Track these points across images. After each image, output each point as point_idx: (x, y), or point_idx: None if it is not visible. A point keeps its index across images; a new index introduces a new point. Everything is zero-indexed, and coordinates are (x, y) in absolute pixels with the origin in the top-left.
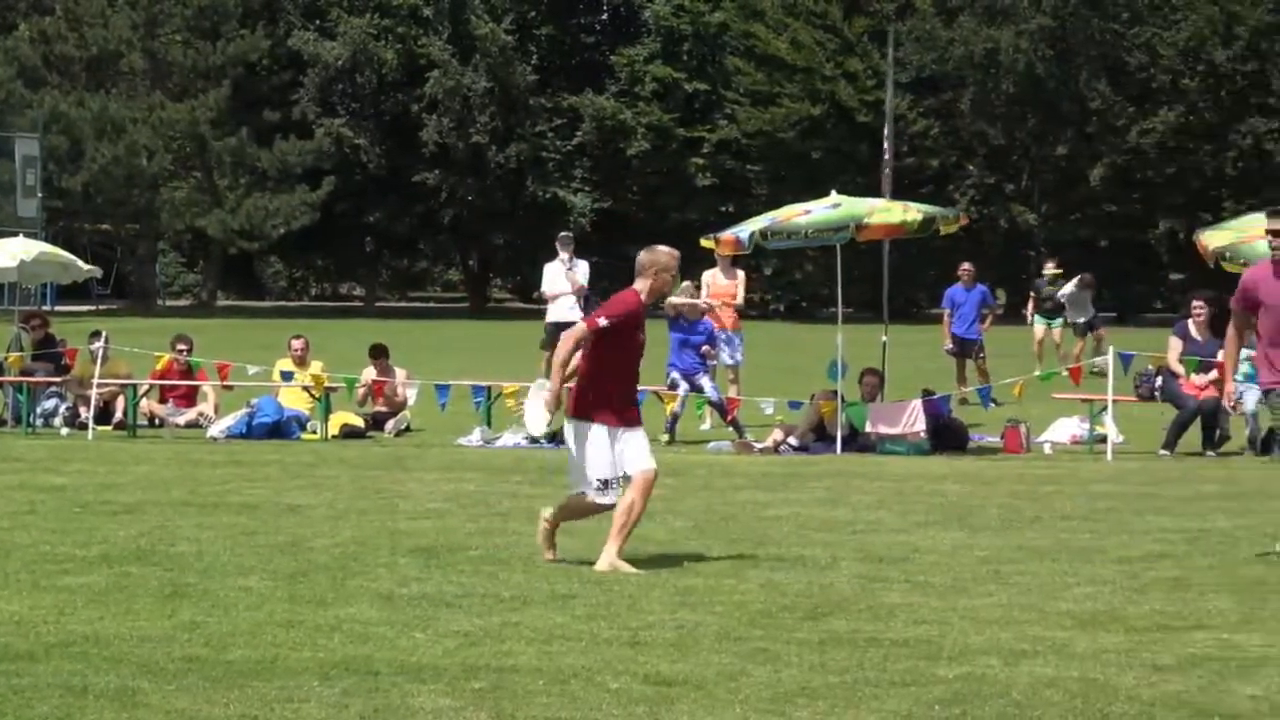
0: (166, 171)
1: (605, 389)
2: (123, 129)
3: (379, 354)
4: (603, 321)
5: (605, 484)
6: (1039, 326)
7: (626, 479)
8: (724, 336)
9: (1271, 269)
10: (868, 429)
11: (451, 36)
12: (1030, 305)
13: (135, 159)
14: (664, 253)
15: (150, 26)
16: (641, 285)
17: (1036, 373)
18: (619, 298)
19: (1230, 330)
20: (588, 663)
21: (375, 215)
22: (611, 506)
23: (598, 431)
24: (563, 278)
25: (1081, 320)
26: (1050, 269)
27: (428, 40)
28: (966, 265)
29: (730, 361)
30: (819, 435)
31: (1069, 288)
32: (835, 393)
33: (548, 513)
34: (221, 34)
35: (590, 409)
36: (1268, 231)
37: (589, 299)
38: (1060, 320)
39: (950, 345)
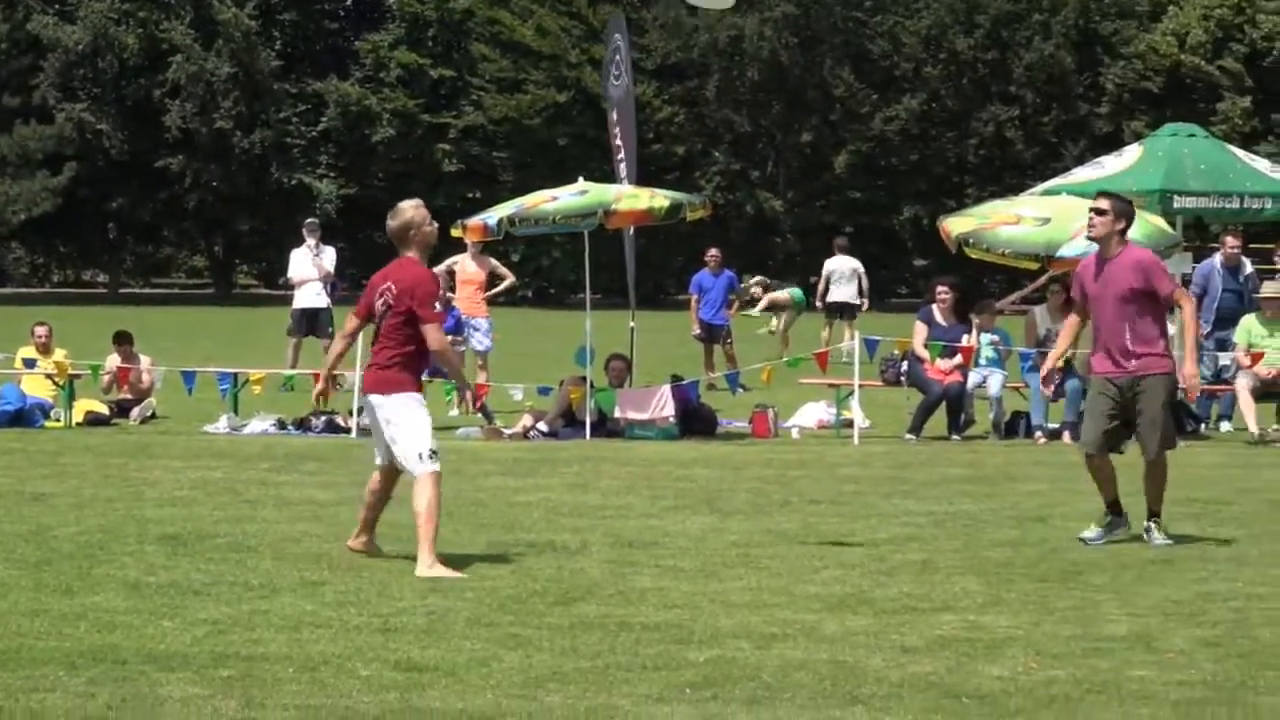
0: None
1: (417, 363)
2: None
3: (123, 341)
4: (439, 308)
5: (434, 453)
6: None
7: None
8: (472, 323)
9: (1095, 261)
10: (617, 414)
11: (194, 21)
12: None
13: None
14: (409, 208)
15: None
16: (414, 253)
17: (784, 358)
18: (417, 277)
19: (1071, 317)
20: (338, 650)
21: (118, 201)
22: (436, 474)
23: (422, 400)
24: (309, 264)
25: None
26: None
27: (169, 25)
28: (714, 251)
29: (480, 348)
30: (568, 421)
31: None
32: (584, 378)
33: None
34: None
35: (413, 384)
36: (1091, 209)
37: (335, 285)
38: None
39: (698, 331)
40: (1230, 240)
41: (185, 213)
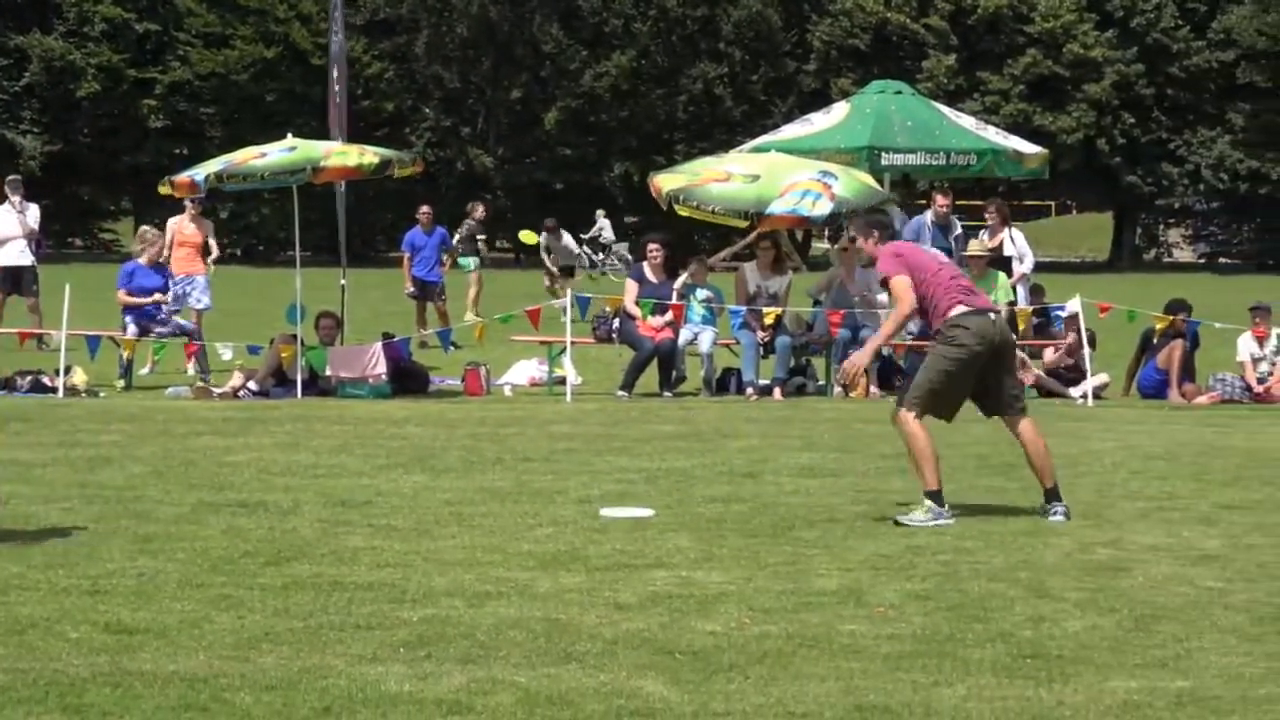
0: None
1: None
2: None
3: None
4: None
5: None
6: (473, 271)
7: None
8: (190, 283)
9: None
10: (328, 373)
11: None
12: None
13: None
14: None
15: None
16: None
17: (497, 315)
18: None
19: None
20: (46, 612)
21: None
22: None
23: None
24: (13, 221)
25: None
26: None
27: None
28: (425, 209)
29: (198, 306)
30: (279, 380)
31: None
32: (295, 336)
33: None
34: None
35: None
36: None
37: (39, 243)
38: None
39: (411, 289)
40: (940, 199)
41: None
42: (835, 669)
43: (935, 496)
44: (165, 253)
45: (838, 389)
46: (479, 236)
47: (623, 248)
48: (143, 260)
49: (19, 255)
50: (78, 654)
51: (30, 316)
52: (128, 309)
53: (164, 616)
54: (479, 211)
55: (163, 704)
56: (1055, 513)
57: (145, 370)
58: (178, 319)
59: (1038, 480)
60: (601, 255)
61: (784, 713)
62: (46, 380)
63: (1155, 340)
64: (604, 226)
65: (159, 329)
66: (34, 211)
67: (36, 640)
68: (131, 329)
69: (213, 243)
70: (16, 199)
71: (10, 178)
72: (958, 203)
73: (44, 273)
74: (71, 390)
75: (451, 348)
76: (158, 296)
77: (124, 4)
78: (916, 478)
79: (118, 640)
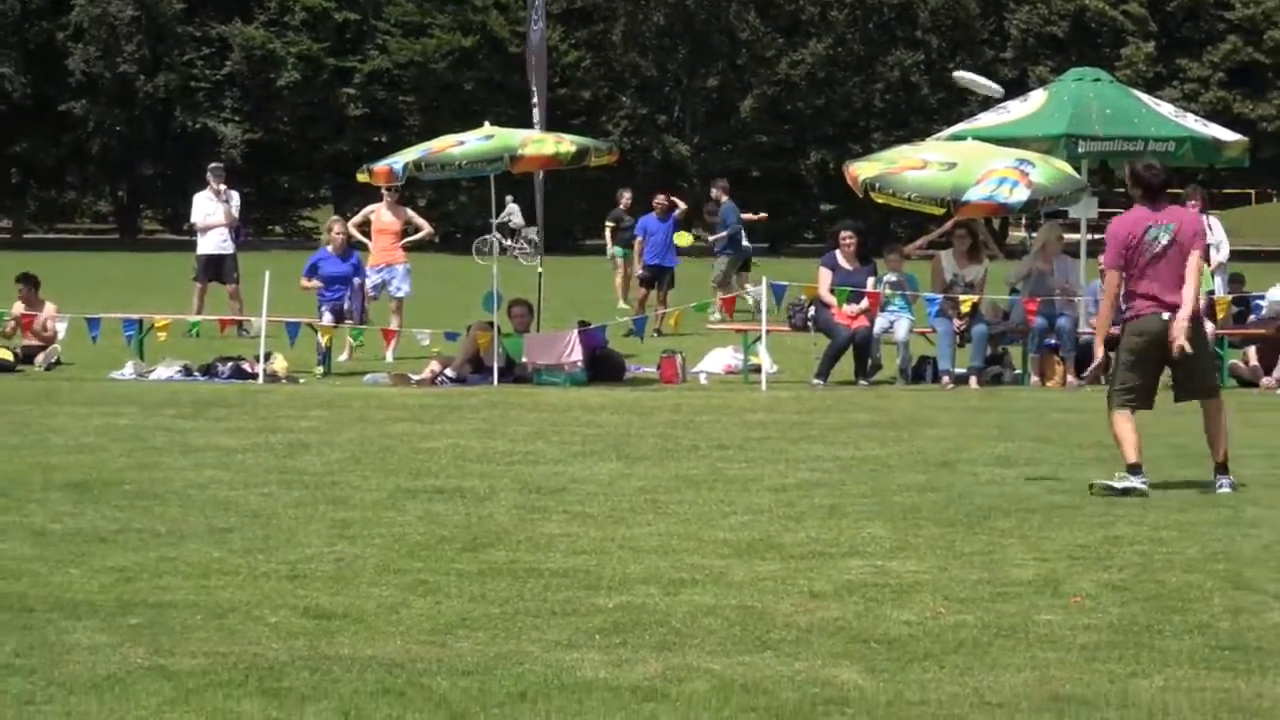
0: None
1: None
2: None
3: (26, 281)
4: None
5: None
6: (619, 260)
7: None
8: (391, 270)
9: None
10: (524, 360)
11: None
12: (609, 235)
13: None
14: None
15: None
16: None
17: (692, 305)
18: None
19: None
20: (246, 597)
21: (21, 146)
22: None
23: None
24: (214, 209)
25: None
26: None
27: None
28: (660, 196)
29: (398, 294)
30: (475, 367)
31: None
32: (491, 324)
33: None
34: None
35: None
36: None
37: (239, 231)
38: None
39: (643, 272)
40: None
41: (89, 158)
42: (1031, 659)
43: (1134, 469)
44: (352, 238)
45: (1034, 378)
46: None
47: (531, 231)
48: (330, 249)
49: (221, 243)
50: (277, 638)
51: (231, 304)
52: (323, 296)
53: (361, 601)
54: (625, 199)
55: (360, 688)
56: (1222, 485)
57: (343, 357)
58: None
59: (1210, 452)
60: (510, 241)
61: (980, 702)
62: (247, 366)
63: None
64: (513, 212)
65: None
66: (235, 199)
67: (236, 624)
68: (327, 316)
69: (421, 222)
70: (218, 187)
71: (212, 166)
72: None
73: (244, 260)
74: (271, 376)
75: (649, 335)
76: (358, 282)
77: None
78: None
79: (316, 625)
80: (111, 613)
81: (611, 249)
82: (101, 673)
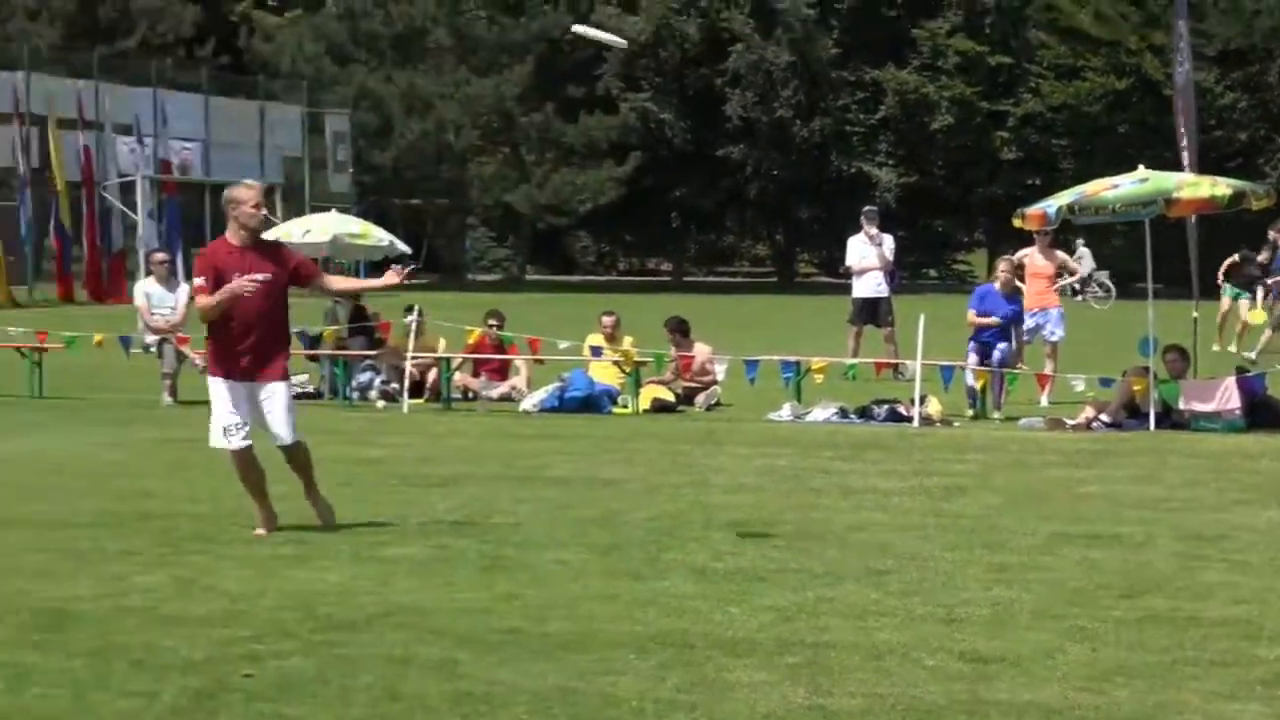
0: (474, 147)
1: (216, 341)
2: (430, 105)
3: (677, 329)
4: (197, 281)
5: (225, 430)
6: (1226, 298)
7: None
8: (1044, 316)
9: None
10: (1181, 406)
11: (753, 10)
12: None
13: (443, 134)
14: (237, 186)
15: (454, 3)
16: (229, 229)
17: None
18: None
19: None
20: (903, 639)
21: (681, 190)
22: (239, 452)
23: (215, 385)
24: (870, 253)
25: None
26: None
27: (729, 14)
28: None
29: (1052, 338)
30: (1131, 412)
31: None
32: (1147, 369)
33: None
34: (525, 10)
35: (212, 365)
36: None
37: (894, 275)
38: (1248, 294)
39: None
40: None
41: (747, 201)
42: None
43: None
44: (1013, 283)
45: None
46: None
47: (1103, 275)
48: (996, 285)
49: (875, 287)
50: (934, 681)
51: (886, 346)
52: (972, 337)
53: (1018, 646)
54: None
55: None
56: None
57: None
58: (1001, 347)
59: None
60: (1083, 286)
61: None
62: (902, 409)
63: None
64: (1084, 255)
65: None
66: (889, 243)
67: (894, 666)
68: (971, 358)
69: (1074, 265)
70: (872, 230)
71: (866, 209)
72: None
73: (899, 304)
74: (926, 420)
75: None
76: (994, 321)
77: (977, 38)
78: None
79: (973, 668)
80: (770, 651)
81: (1226, 286)
82: (761, 710)
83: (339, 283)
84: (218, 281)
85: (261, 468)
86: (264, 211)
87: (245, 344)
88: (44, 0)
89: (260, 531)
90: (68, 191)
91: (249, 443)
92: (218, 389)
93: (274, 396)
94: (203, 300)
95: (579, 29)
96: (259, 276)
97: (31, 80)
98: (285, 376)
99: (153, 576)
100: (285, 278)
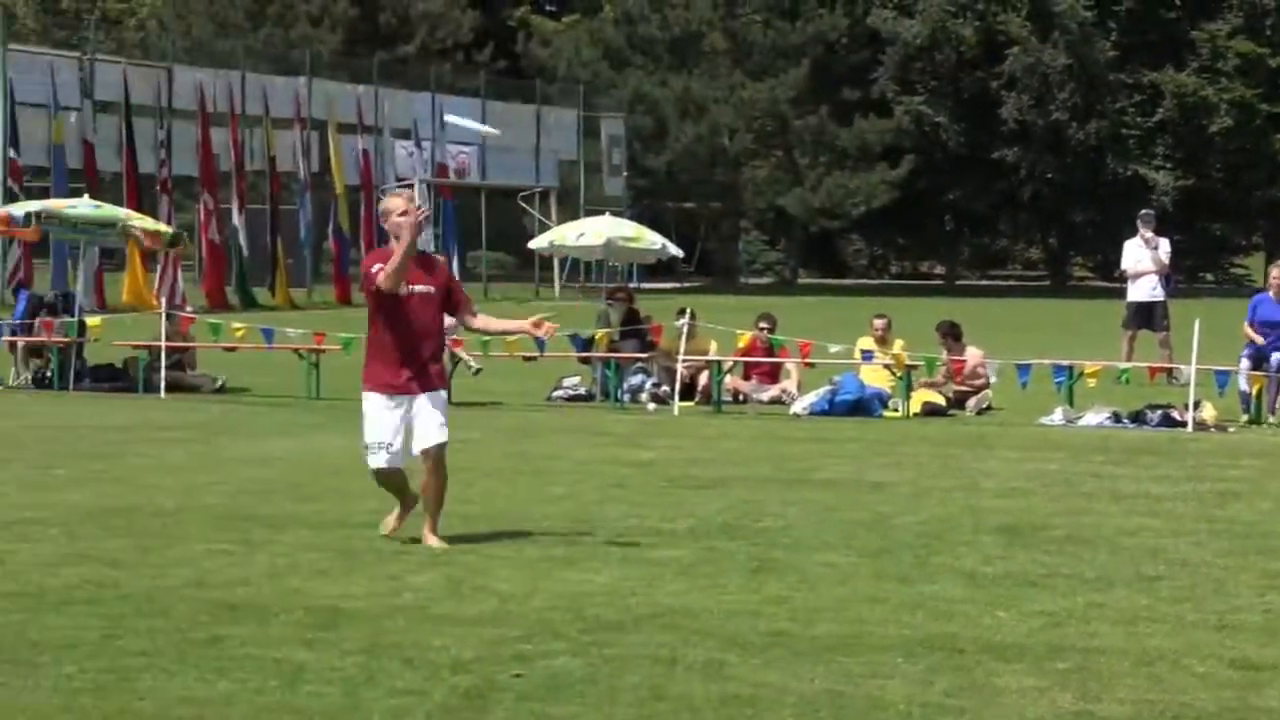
0: (747, 151)
1: (375, 355)
2: (704, 109)
3: (949, 333)
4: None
5: (368, 447)
6: None
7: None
8: None
9: None
10: None
11: (1030, 13)
12: None
13: (717, 138)
14: (388, 197)
15: (730, 7)
16: (391, 240)
17: None
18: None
19: None
20: (1174, 645)
21: (954, 193)
22: (383, 470)
23: (370, 400)
24: (1145, 256)
25: None
26: None
27: (1006, 17)
28: None
29: None
30: None
31: None
32: None
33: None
34: (801, 14)
35: (365, 378)
36: None
37: (1169, 279)
38: None
39: None
40: None
41: (1021, 204)
42: None
43: None
44: None
45: None
46: None
47: None
48: (1272, 293)
49: (1150, 291)
50: (1204, 688)
51: (1160, 351)
52: (1248, 343)
53: None
54: None
55: None
56: None
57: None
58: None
59: None
60: None
61: None
62: (1175, 414)
63: None
64: None
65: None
66: (1165, 246)
67: (1164, 673)
68: (1244, 363)
69: None
70: (1147, 234)
71: (1142, 212)
72: None
73: (1174, 308)
74: (1200, 425)
75: None
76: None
77: (1258, 39)
78: None
79: (1244, 676)
80: (1040, 657)
81: None
82: (1030, 716)
83: (480, 321)
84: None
85: (404, 474)
86: (418, 216)
87: (407, 357)
88: (326, 7)
89: (392, 520)
90: (346, 195)
91: (393, 466)
92: (372, 404)
93: (428, 405)
94: (386, 268)
95: (451, 118)
96: (419, 288)
97: (313, 85)
98: (444, 384)
99: (424, 576)
100: (443, 293)
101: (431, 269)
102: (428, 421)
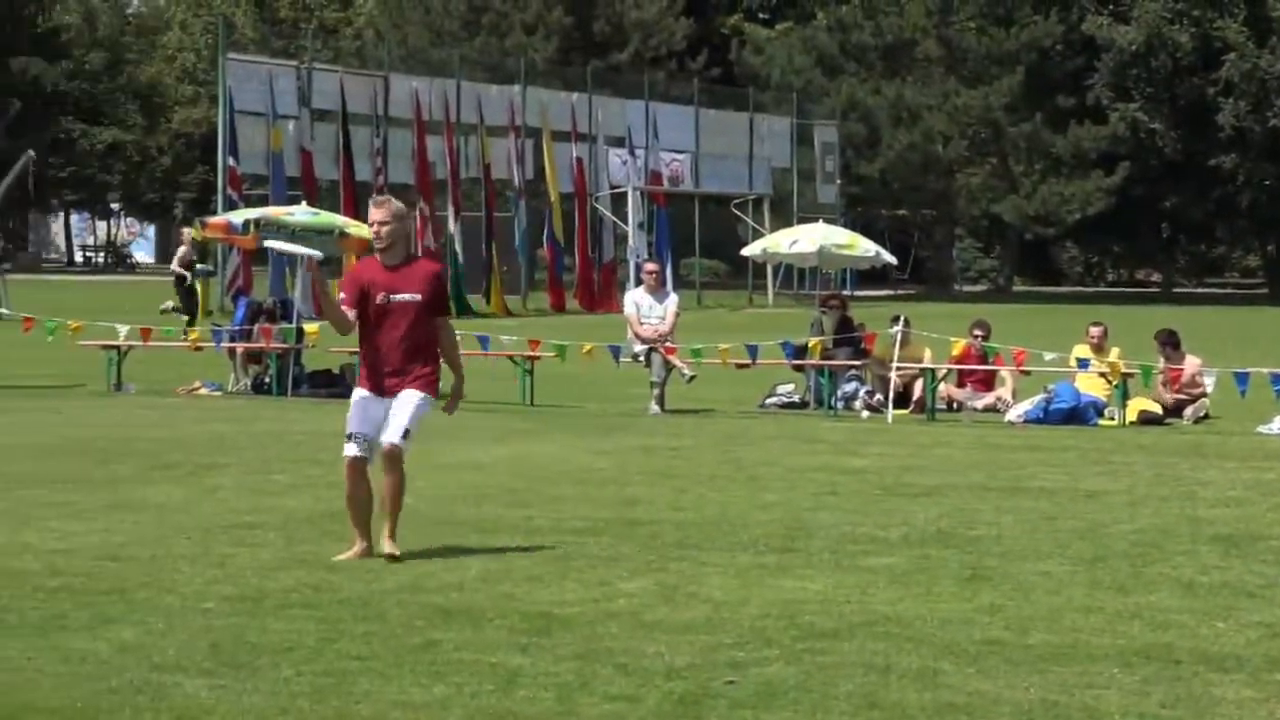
0: (961, 158)
1: (362, 358)
2: (918, 116)
3: (1167, 342)
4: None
5: (347, 437)
6: None
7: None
8: None
9: None
10: None
11: (1247, 19)
12: None
13: (930, 145)
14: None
15: (944, 14)
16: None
17: None
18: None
19: None
20: None
21: (1171, 200)
22: (354, 460)
23: (356, 393)
24: None
25: None
26: None
27: (1223, 23)
28: None
29: None
30: None
31: None
32: None
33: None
34: (1015, 20)
35: (360, 379)
36: None
37: None
38: None
39: None
40: None
41: (1238, 211)
42: None
43: None
44: None
45: None
46: None
47: None
48: None
49: None
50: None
51: None
52: None
53: None
54: None
55: None
56: None
57: None
58: None
59: None
60: None
61: None
62: None
63: None
64: None
65: None
66: None
67: None
68: None
69: None
70: None
71: None
72: None
73: None
74: None
75: None
76: None
77: None
78: None
79: None
80: (1258, 668)
81: None
82: None
83: (446, 344)
84: (361, 296)
85: (370, 492)
86: (386, 229)
87: (389, 364)
88: (541, 15)
89: (345, 556)
90: (560, 202)
91: (363, 454)
92: (356, 398)
93: (396, 406)
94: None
95: (271, 243)
96: (399, 297)
97: (527, 93)
98: (424, 387)
99: (637, 583)
100: (428, 299)
101: (413, 277)
102: (391, 422)
